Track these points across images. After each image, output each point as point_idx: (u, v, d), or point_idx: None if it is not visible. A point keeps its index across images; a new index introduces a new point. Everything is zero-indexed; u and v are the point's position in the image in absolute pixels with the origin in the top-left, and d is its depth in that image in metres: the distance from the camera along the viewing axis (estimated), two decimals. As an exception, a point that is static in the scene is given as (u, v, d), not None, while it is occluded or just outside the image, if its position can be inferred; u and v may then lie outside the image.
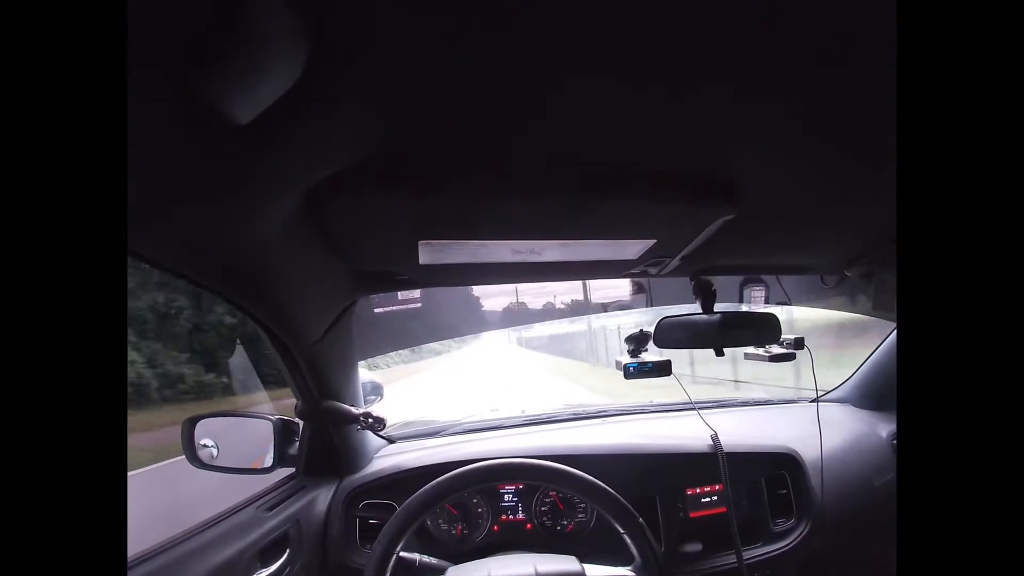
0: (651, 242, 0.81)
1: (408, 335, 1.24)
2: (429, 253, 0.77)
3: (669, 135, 0.55)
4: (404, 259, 0.80)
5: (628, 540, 0.92)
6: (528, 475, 0.99)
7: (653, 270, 0.97)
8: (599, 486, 0.93)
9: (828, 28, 0.40)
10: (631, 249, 0.83)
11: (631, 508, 0.92)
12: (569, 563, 0.93)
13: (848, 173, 0.71)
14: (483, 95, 0.45)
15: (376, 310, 1.07)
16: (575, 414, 1.52)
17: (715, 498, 1.25)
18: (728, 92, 0.47)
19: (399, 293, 1.05)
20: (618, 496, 0.93)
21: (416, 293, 1.13)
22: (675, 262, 0.93)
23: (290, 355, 0.99)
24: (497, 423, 1.47)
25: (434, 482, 0.93)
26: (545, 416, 1.50)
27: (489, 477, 0.96)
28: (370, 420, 1.09)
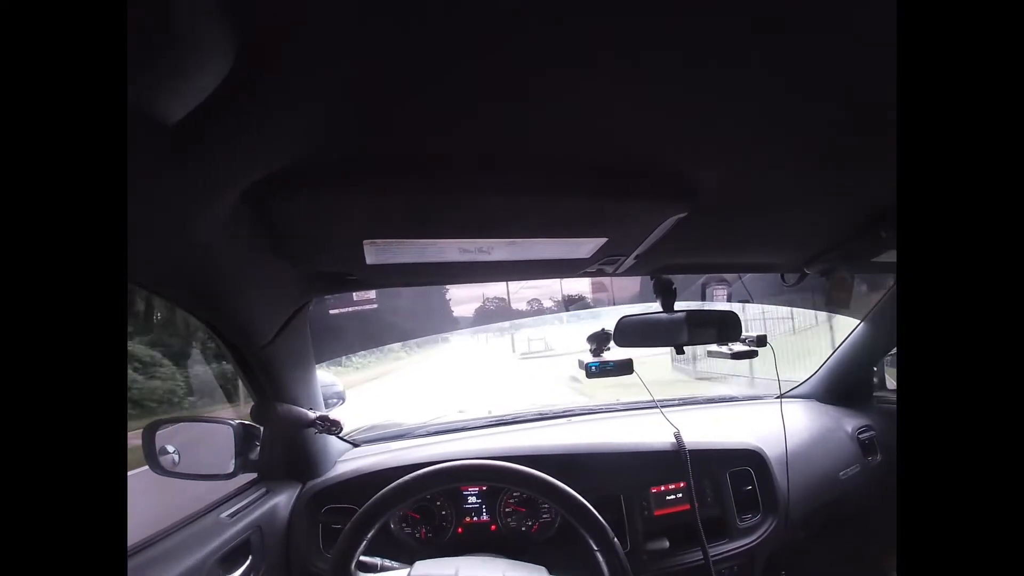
0: (602, 240, 0.80)
1: (369, 336, 1.21)
2: (375, 253, 0.75)
3: (619, 132, 0.55)
4: (351, 259, 0.78)
5: (600, 559, 0.88)
6: (502, 479, 0.96)
7: (609, 268, 0.96)
8: (574, 498, 0.90)
9: (788, 27, 0.39)
10: (583, 248, 0.82)
11: (604, 523, 0.89)
12: (539, 573, 0.92)
13: (804, 175, 0.71)
14: (423, 93, 0.44)
15: (331, 311, 1.05)
16: (541, 414, 1.52)
17: (680, 495, 1.25)
18: (680, 90, 0.47)
19: (353, 294, 1.04)
20: (592, 509, 0.89)
21: (371, 293, 1.12)
22: (630, 260, 0.92)
23: (242, 356, 0.97)
24: (462, 424, 1.46)
25: (394, 483, 0.90)
26: (511, 417, 1.49)
27: (456, 478, 0.94)
28: (326, 424, 1.07)
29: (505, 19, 0.36)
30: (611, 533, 0.89)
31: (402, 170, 0.57)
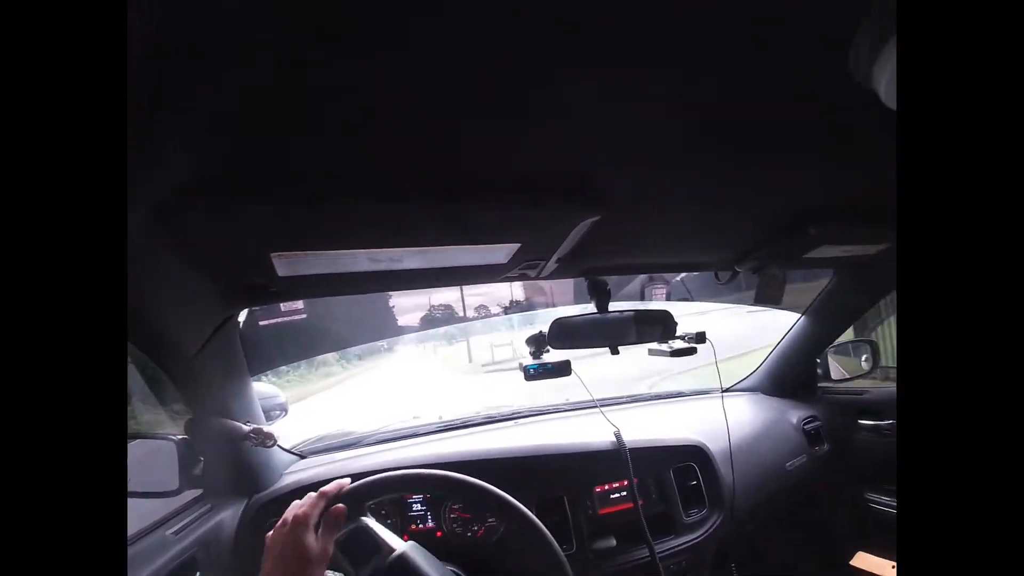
0: (516, 246, 0.80)
1: (303, 346, 1.20)
2: (285, 265, 0.75)
3: (526, 139, 0.54)
4: (264, 272, 0.78)
5: None
6: (454, 490, 0.89)
7: (531, 272, 0.96)
8: (529, 519, 0.84)
9: (700, 29, 0.39)
10: (497, 254, 0.83)
11: (559, 553, 0.82)
12: None
13: (721, 179, 0.72)
14: (320, 102, 0.43)
15: (261, 323, 1.04)
16: (489, 417, 1.52)
17: (624, 494, 1.27)
18: (588, 93, 0.47)
19: (281, 305, 1.03)
20: (546, 533, 0.83)
21: (299, 304, 1.11)
22: (552, 264, 0.93)
23: (171, 372, 0.95)
24: (411, 431, 1.45)
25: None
26: (459, 421, 1.50)
27: (403, 487, 0.91)
28: (260, 436, 1.05)
29: (404, 32, 0.36)
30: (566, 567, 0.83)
31: (301, 182, 0.57)
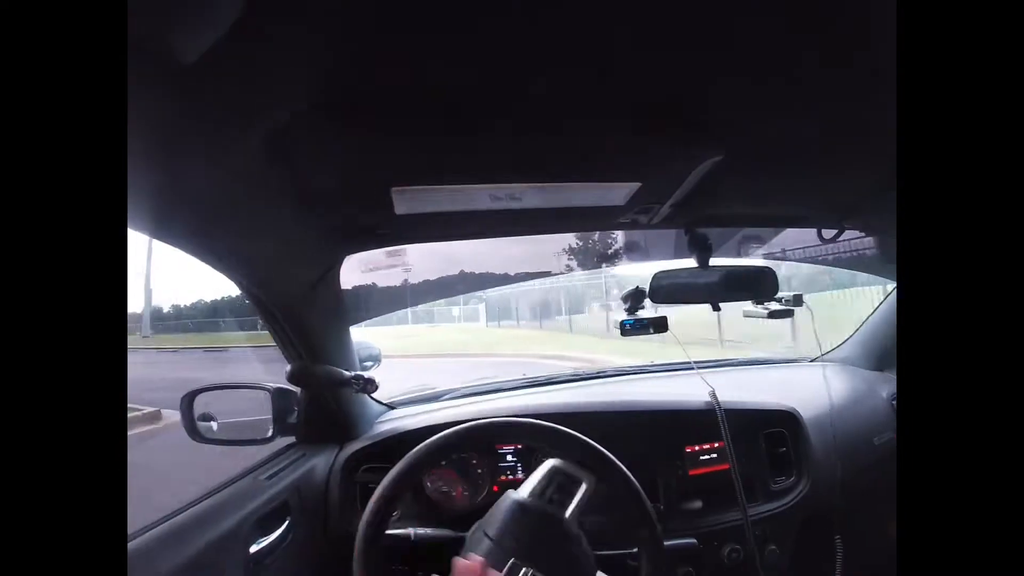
0: (636, 185, 0.78)
1: (401, 299, 1.21)
2: (404, 202, 0.76)
3: (653, 68, 0.53)
4: (380, 209, 0.78)
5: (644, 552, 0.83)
6: (532, 438, 0.92)
7: (643, 218, 0.95)
8: (619, 470, 0.85)
9: None
10: (616, 194, 0.81)
11: (654, 515, 0.83)
12: None
13: (845, 113, 0.68)
14: (445, 24, 0.42)
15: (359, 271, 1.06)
16: (575, 374, 1.52)
17: (714, 456, 1.25)
18: (714, 21, 0.45)
19: (386, 254, 1.05)
20: (642, 493, 0.84)
21: (406, 255, 1.12)
22: (665, 209, 0.91)
23: (273, 316, 0.98)
24: (496, 386, 1.47)
25: (415, 449, 0.83)
26: (544, 378, 1.50)
27: (487, 436, 0.91)
28: (361, 382, 1.09)
29: None
30: (659, 529, 0.83)
31: (426, 108, 0.56)
